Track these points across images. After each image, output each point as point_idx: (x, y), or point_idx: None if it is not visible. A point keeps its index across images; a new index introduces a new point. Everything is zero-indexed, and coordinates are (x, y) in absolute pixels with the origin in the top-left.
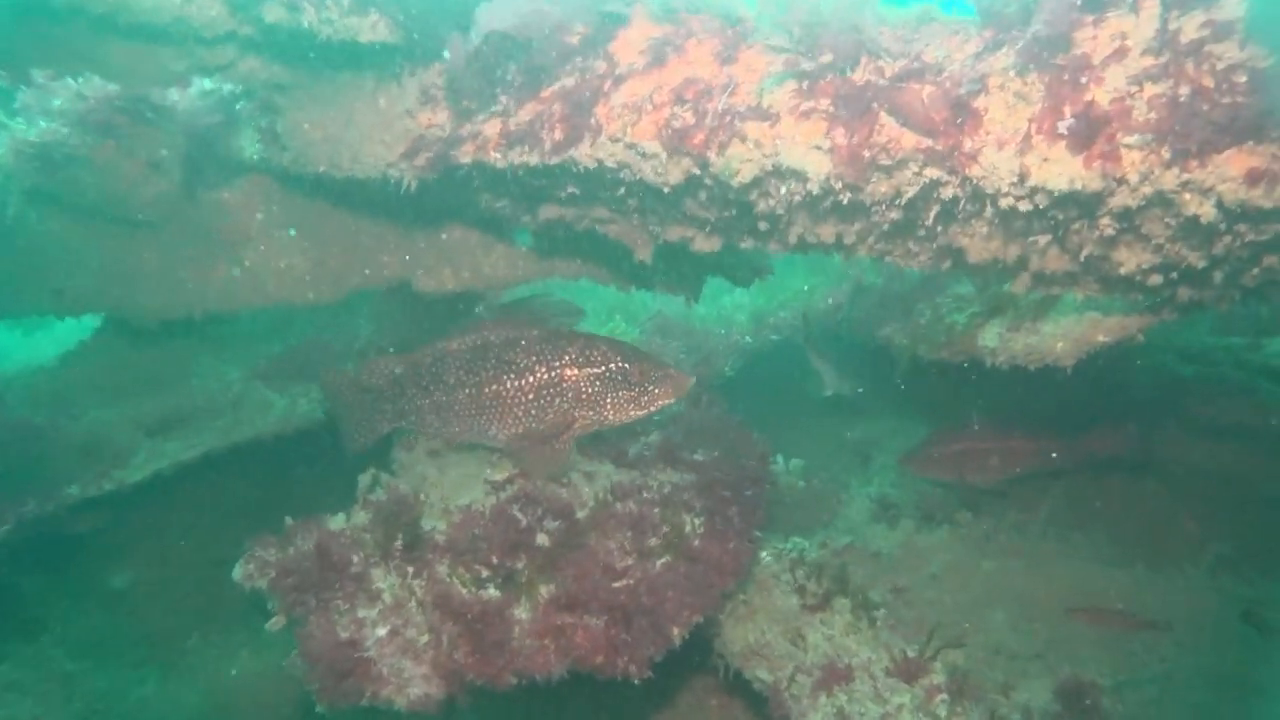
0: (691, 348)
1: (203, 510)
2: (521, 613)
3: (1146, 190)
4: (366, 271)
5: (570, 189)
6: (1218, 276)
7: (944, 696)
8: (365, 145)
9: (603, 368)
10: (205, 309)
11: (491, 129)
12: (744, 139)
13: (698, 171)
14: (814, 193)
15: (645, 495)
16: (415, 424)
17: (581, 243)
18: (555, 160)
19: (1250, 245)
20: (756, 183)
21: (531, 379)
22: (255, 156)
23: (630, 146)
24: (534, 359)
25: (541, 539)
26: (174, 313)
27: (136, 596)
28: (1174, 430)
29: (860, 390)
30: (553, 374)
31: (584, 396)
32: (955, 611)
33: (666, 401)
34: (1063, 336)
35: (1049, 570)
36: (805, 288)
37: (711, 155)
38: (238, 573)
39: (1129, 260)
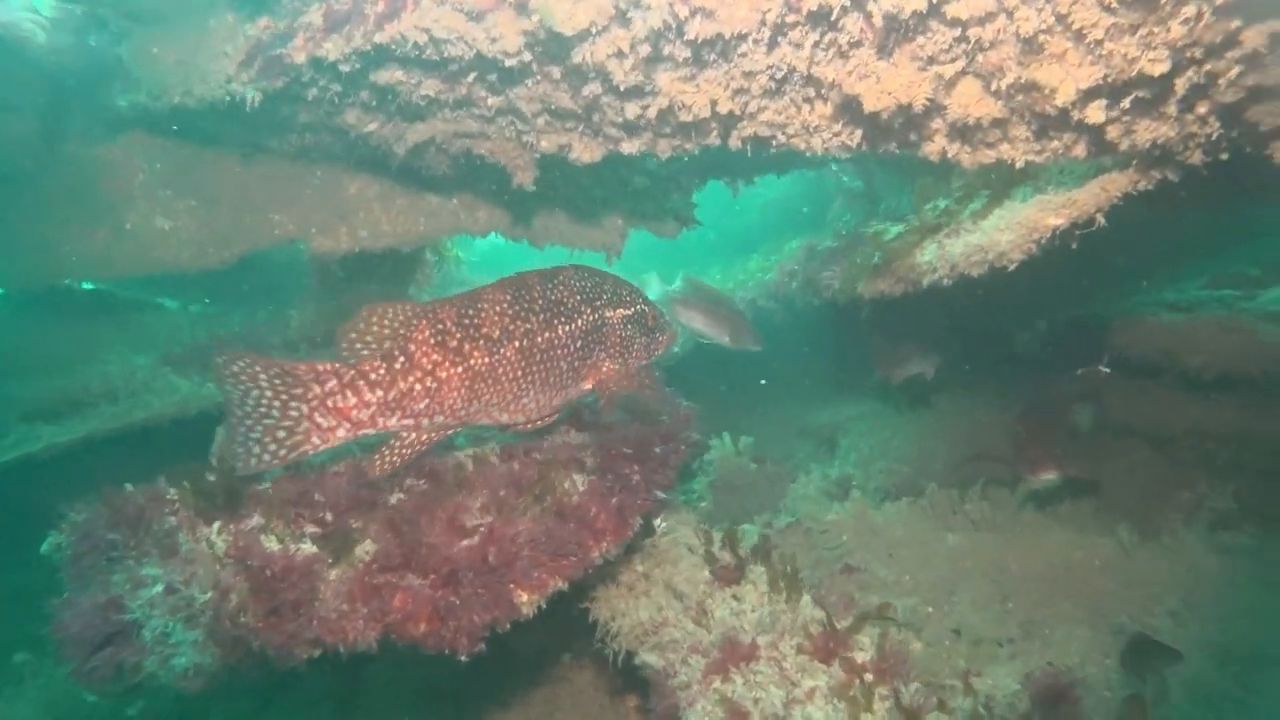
0: None
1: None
2: (336, 572)
3: None
4: (258, 232)
5: (422, 88)
6: (1182, 89)
7: (868, 677)
8: (212, 63)
9: (633, 309)
10: (81, 276)
11: (317, 16)
12: None
13: (531, 27)
14: (658, 28)
15: (536, 456)
16: (420, 412)
17: (488, 193)
18: (382, 38)
19: (1223, 12)
20: (600, 33)
21: (580, 323)
22: (126, 104)
23: (457, 8)
24: (578, 298)
25: (396, 497)
26: (43, 280)
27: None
28: (1168, 389)
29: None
30: (596, 315)
31: (619, 340)
32: (914, 591)
33: (664, 350)
34: (1007, 227)
35: (1026, 543)
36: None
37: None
38: (47, 545)
39: (1064, 82)
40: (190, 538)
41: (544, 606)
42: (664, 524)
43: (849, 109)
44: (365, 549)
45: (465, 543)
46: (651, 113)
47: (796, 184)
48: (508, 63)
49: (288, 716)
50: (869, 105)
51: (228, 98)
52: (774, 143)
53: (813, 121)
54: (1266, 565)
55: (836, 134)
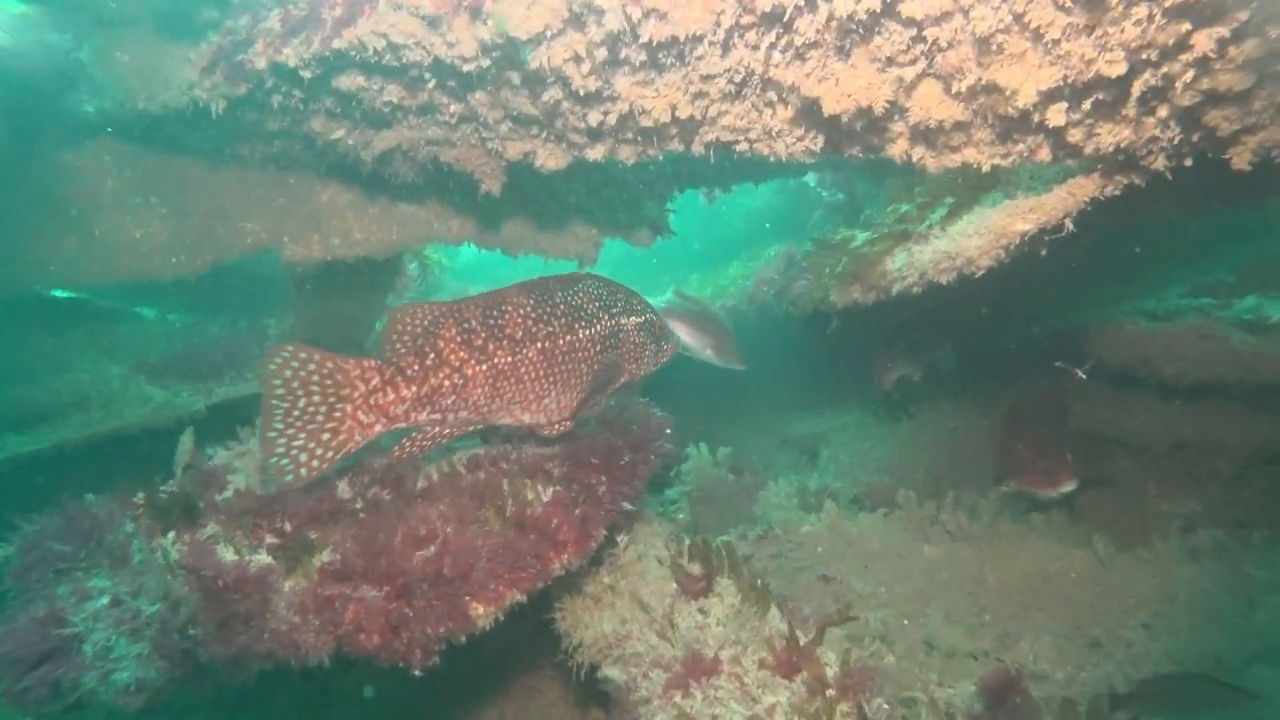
0: None
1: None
2: (290, 583)
3: None
4: (229, 240)
5: (385, 94)
6: (1139, 91)
7: (831, 693)
8: (176, 69)
9: (643, 317)
10: (49, 284)
11: (276, 22)
12: None
13: (487, 32)
14: (614, 31)
15: (503, 465)
16: (447, 407)
17: (459, 202)
18: (340, 44)
19: (1171, 15)
20: (555, 37)
21: (599, 328)
22: (93, 109)
23: (413, 13)
24: (596, 305)
25: (359, 506)
26: (8, 288)
27: None
28: (1145, 397)
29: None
30: (613, 322)
31: (633, 347)
32: (889, 603)
33: (669, 358)
34: (976, 233)
35: (1003, 554)
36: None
37: (488, 3)
38: None
39: (1024, 84)
40: (145, 547)
41: (501, 619)
42: (625, 538)
43: (809, 112)
44: (322, 559)
45: (421, 553)
46: (612, 118)
47: (781, 193)
48: (466, 68)
49: None
50: (828, 108)
51: (191, 104)
52: (738, 148)
53: (774, 126)
54: (1238, 573)
55: (799, 138)
